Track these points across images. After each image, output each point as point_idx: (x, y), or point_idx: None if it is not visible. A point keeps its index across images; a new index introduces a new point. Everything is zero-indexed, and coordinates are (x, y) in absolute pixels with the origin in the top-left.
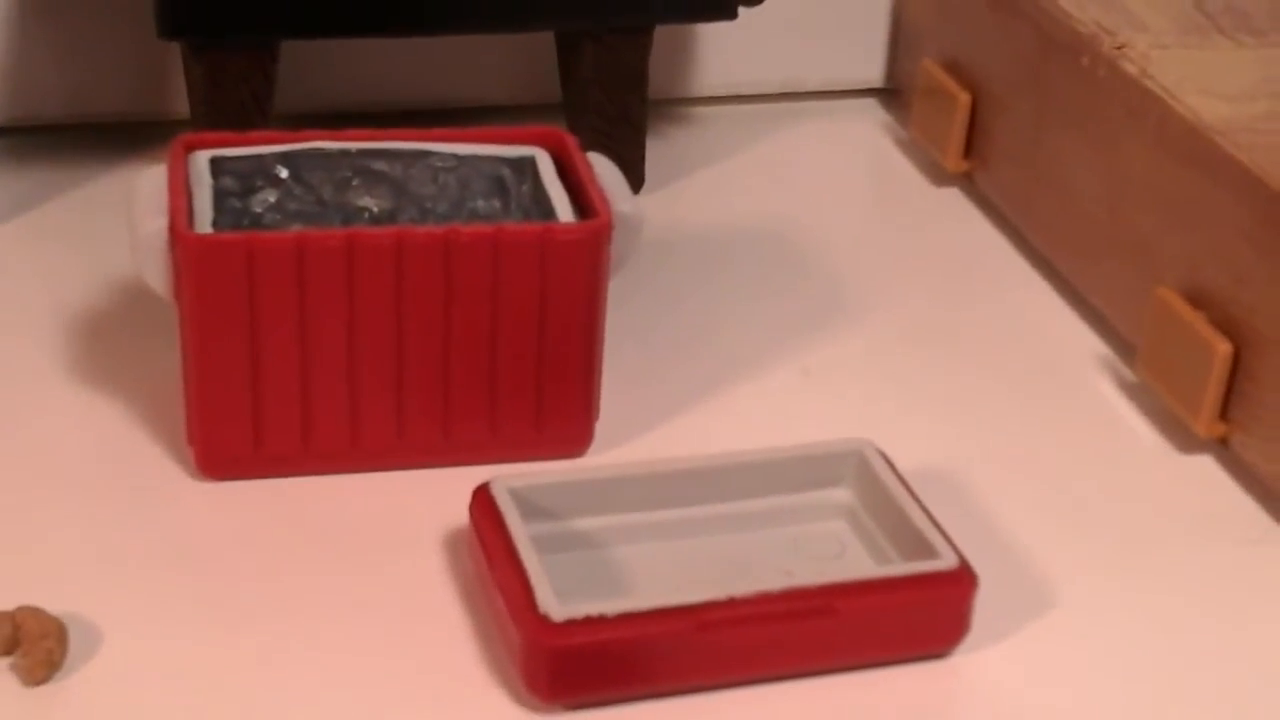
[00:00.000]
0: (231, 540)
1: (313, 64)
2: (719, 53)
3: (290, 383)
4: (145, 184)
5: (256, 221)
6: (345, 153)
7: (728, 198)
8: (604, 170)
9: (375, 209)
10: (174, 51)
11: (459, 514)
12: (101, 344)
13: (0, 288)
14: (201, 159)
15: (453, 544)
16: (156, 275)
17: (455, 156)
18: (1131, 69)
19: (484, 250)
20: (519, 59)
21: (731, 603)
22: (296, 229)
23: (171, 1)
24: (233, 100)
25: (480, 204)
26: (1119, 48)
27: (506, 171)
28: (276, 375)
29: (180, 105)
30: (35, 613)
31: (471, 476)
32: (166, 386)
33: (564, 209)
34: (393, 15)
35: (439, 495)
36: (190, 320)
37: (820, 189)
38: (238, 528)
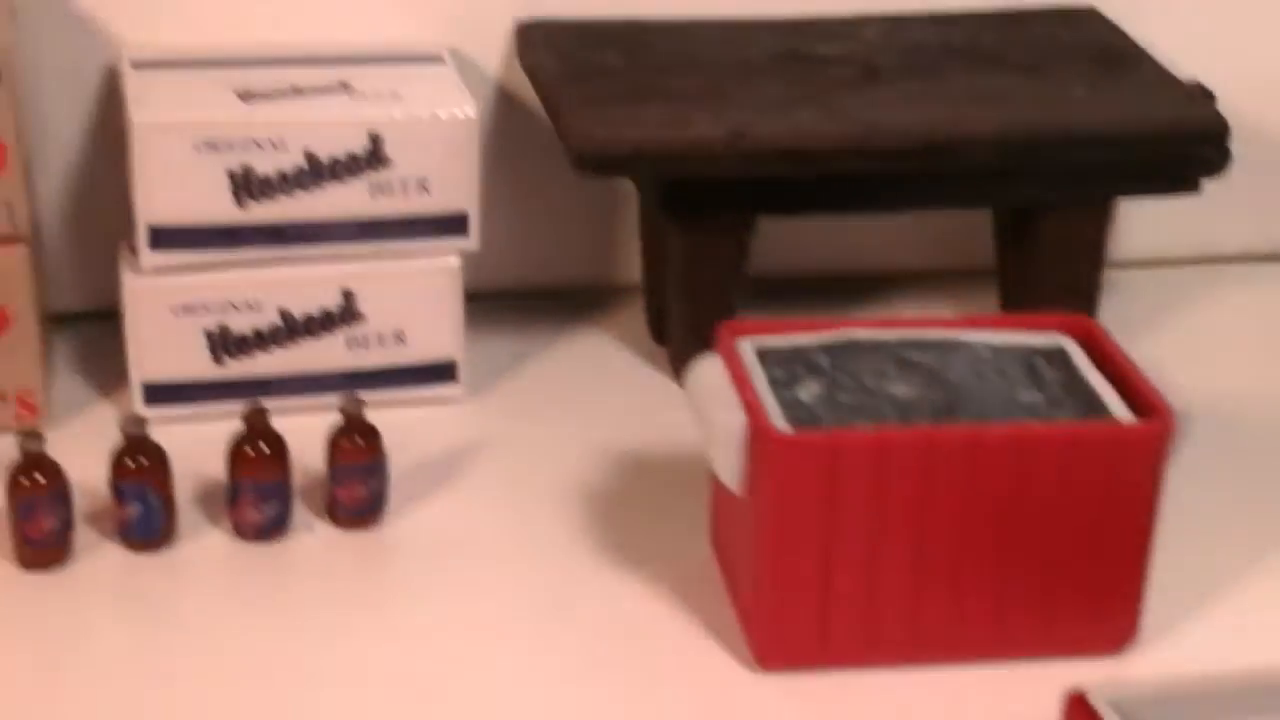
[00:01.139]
0: None
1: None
2: (1143, 219)
3: (859, 577)
4: (708, 375)
5: (811, 414)
6: (882, 343)
7: (1192, 366)
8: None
9: (924, 402)
10: (622, 221)
11: (1023, 713)
12: (617, 522)
13: (499, 458)
14: (749, 349)
15: None
16: (730, 469)
17: (990, 347)
18: None
19: (1053, 449)
20: (940, 227)
21: None
22: (870, 427)
23: (666, 185)
24: (711, 271)
25: (1024, 397)
26: None
27: (1040, 361)
28: (847, 570)
29: (625, 272)
30: None
31: (1025, 676)
32: (695, 570)
33: (1114, 402)
34: (871, 198)
35: (997, 694)
36: (766, 514)
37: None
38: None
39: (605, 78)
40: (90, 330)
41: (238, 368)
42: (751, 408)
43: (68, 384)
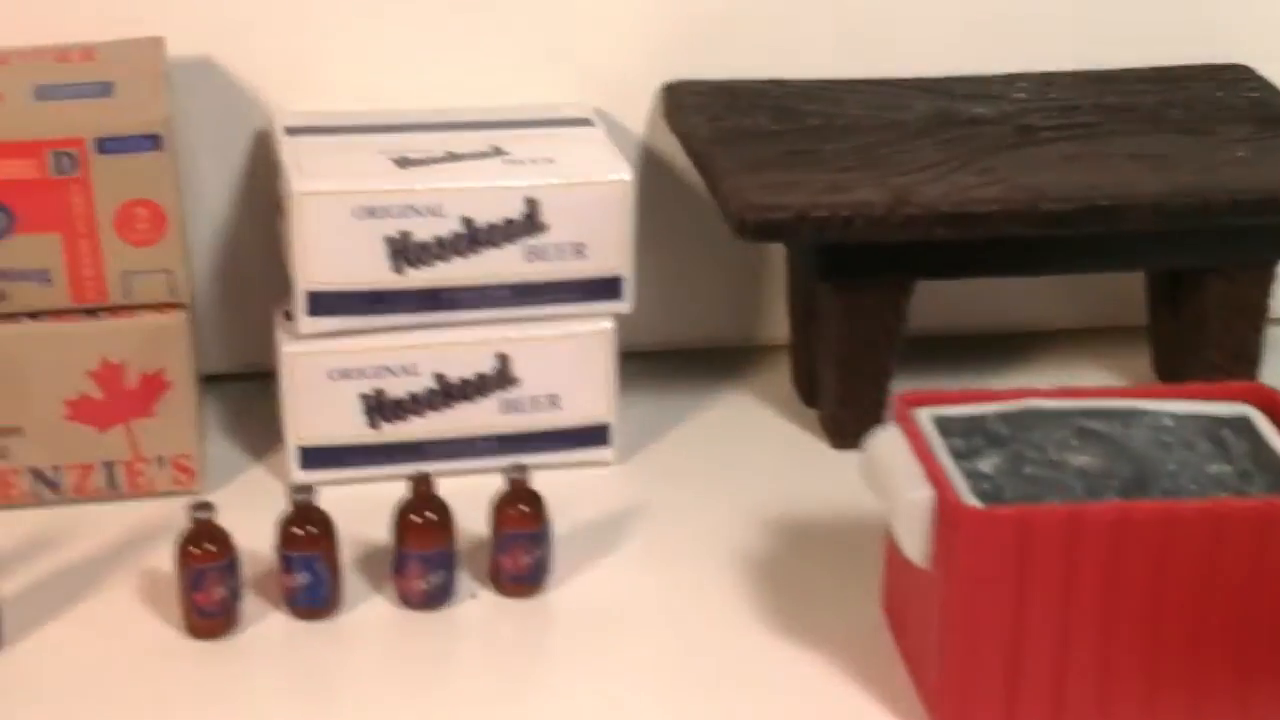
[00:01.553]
0: None
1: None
2: None
3: (1045, 653)
4: (887, 446)
5: (996, 486)
6: (1062, 412)
7: None
8: None
9: (1110, 474)
10: (765, 280)
11: None
12: (780, 589)
13: (654, 522)
14: (926, 420)
15: None
16: (916, 543)
17: (1172, 416)
18: None
19: (1248, 523)
20: (1088, 285)
21: None
22: (1061, 501)
23: (823, 249)
24: (867, 334)
25: (1212, 468)
26: None
27: (1226, 431)
28: (1035, 646)
29: (768, 330)
30: None
31: None
32: (866, 639)
33: None
34: (1030, 260)
35: None
36: (954, 589)
37: None
38: None
39: (758, 141)
40: (238, 391)
41: (392, 431)
42: (939, 482)
43: (219, 446)
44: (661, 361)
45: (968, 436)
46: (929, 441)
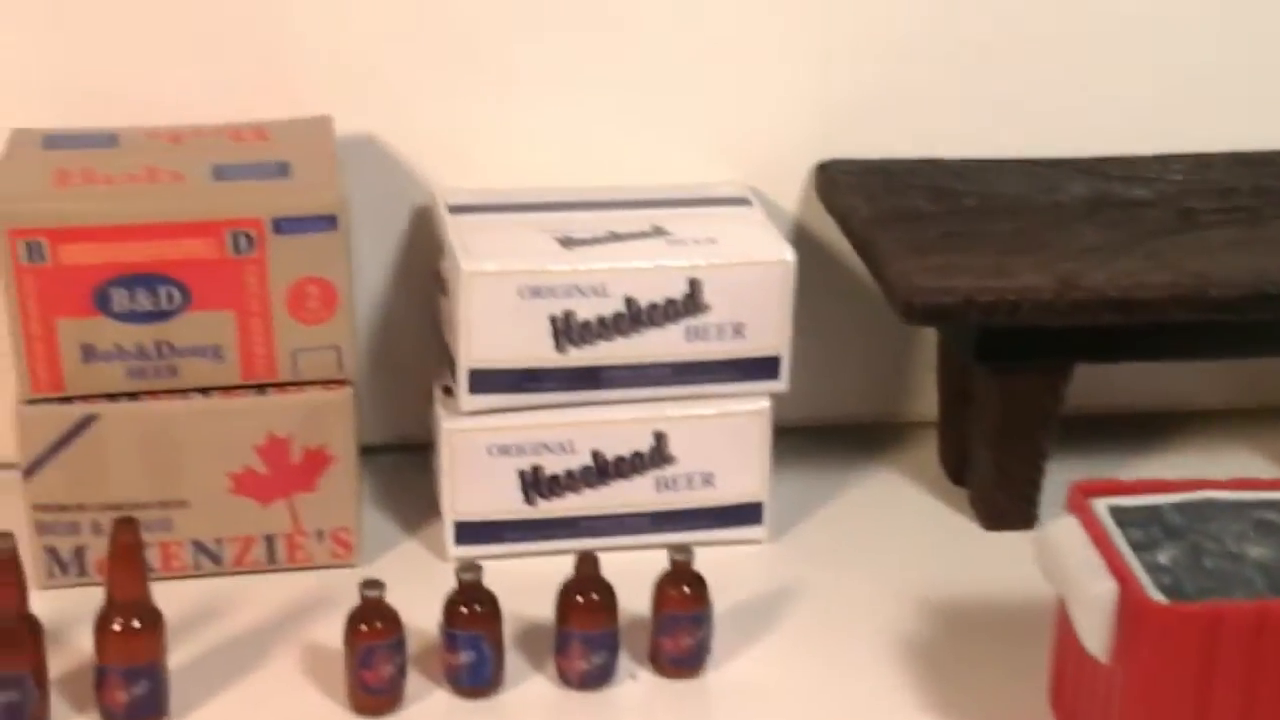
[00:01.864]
0: None
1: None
2: None
3: None
4: (1066, 537)
5: (1176, 580)
6: (1239, 504)
7: None
8: None
9: None
10: (912, 358)
11: None
12: (942, 675)
13: (809, 603)
14: (1103, 509)
15: None
16: (1097, 637)
17: None
18: None
19: None
20: (1240, 365)
21: None
22: (1242, 596)
23: (983, 331)
24: (1024, 416)
25: None
26: None
27: None
28: None
29: (913, 408)
30: None
31: None
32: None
33: None
34: (1193, 345)
35: None
36: (1137, 685)
37: None
38: None
39: (917, 222)
40: (390, 463)
41: (548, 507)
42: (1121, 575)
43: (371, 518)
44: (807, 438)
45: (1145, 527)
46: (1108, 532)
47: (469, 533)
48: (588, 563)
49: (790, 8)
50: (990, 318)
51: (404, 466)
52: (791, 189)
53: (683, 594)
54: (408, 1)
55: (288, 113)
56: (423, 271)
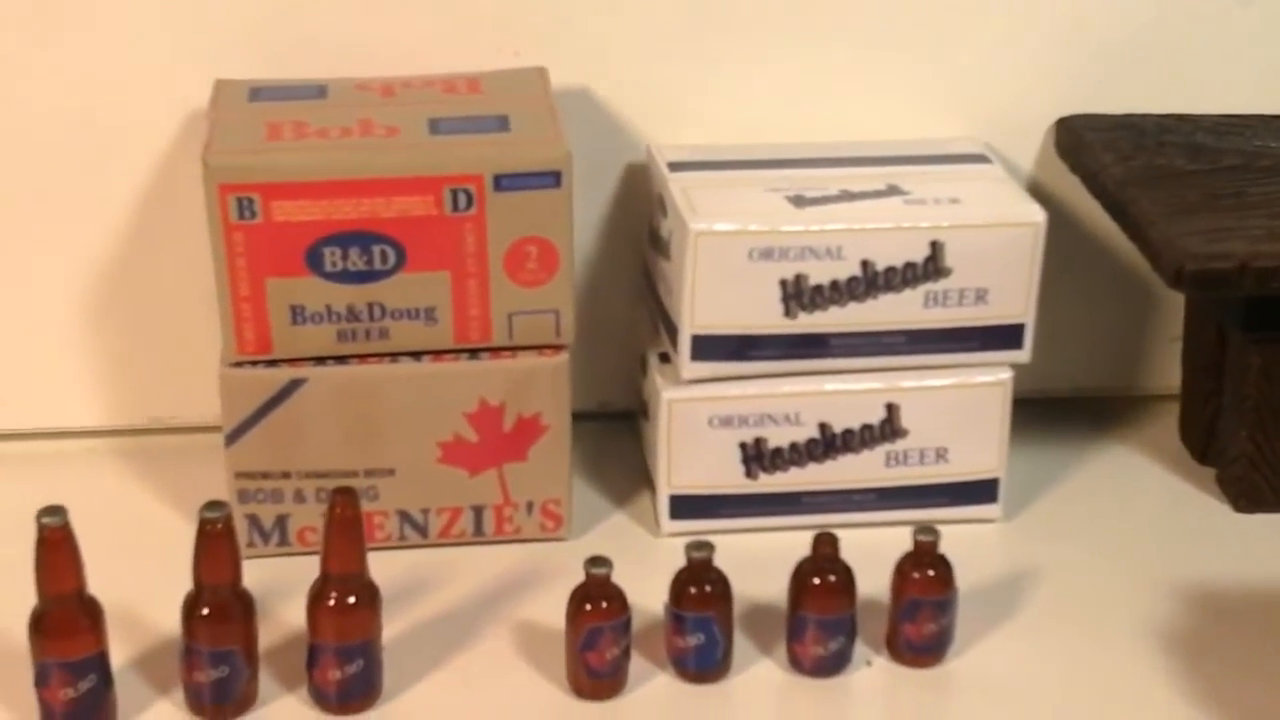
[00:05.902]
0: None
1: None
2: None
3: None
4: None
5: None
6: None
7: None
8: None
9: None
10: (1154, 326)
11: None
12: (1206, 670)
13: (1050, 586)
14: None
15: None
16: None
17: None
18: None
19: None
20: None
21: None
22: None
23: (1251, 301)
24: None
25: None
26: None
27: None
28: None
29: (1149, 380)
30: None
31: None
32: None
33: None
34: None
35: None
36: None
37: None
38: None
39: (1177, 182)
40: (593, 432)
41: (769, 481)
42: None
43: (578, 489)
44: (1038, 410)
45: None
46: None
47: (683, 506)
48: (826, 542)
49: None
50: (1267, 285)
51: (607, 435)
52: (1027, 146)
53: (928, 578)
54: None
55: (493, 64)
56: (632, 232)
